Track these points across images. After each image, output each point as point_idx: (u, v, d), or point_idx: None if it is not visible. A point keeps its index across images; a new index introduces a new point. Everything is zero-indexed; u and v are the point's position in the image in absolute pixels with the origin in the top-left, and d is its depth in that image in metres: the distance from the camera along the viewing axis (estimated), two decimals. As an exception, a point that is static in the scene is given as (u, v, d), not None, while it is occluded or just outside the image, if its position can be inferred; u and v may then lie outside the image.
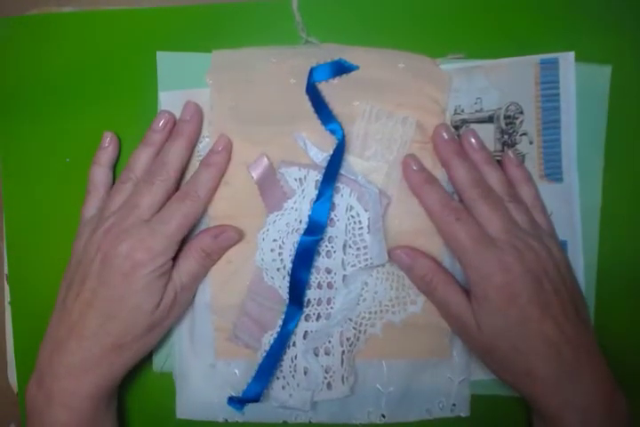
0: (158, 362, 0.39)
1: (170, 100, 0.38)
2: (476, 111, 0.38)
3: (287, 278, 0.36)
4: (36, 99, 0.40)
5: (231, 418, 0.38)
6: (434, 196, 0.35)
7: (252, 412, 0.38)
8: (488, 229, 0.34)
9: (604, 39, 0.38)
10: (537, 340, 0.33)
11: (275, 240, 0.37)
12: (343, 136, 0.36)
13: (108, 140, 0.38)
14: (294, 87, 0.37)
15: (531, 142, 0.38)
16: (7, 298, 0.41)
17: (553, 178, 0.38)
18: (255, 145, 0.37)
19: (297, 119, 0.37)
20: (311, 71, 0.37)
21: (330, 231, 0.36)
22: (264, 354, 0.36)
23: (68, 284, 0.35)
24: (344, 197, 0.36)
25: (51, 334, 0.35)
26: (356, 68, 0.37)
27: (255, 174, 0.37)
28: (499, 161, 0.38)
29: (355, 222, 0.36)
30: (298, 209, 0.36)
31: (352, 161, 0.37)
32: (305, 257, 0.35)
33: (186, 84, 0.38)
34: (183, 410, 0.39)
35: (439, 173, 0.37)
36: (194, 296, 0.37)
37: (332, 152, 0.36)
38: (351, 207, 0.36)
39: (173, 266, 0.35)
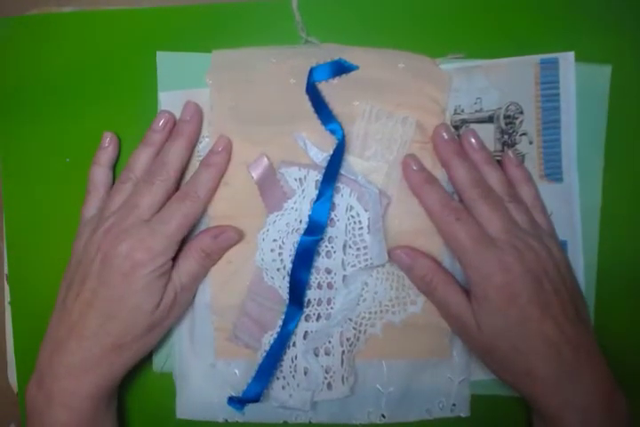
0: (158, 362, 0.39)
1: (170, 100, 0.38)
2: (476, 111, 0.38)
3: (287, 279, 0.36)
4: (36, 99, 0.40)
5: (231, 418, 0.38)
6: (434, 196, 0.35)
7: (252, 412, 0.38)
8: (488, 229, 0.34)
9: (604, 39, 0.38)
10: (537, 340, 0.33)
11: (275, 240, 0.37)
12: (343, 136, 0.36)
13: (108, 141, 0.38)
14: (294, 87, 0.37)
15: (531, 142, 0.38)
16: (7, 298, 0.41)
17: (553, 178, 0.38)
18: (255, 145, 0.37)
19: (297, 119, 0.37)
20: (311, 71, 0.37)
21: (330, 231, 0.36)
22: (264, 354, 0.36)
23: (67, 284, 0.35)
24: (344, 197, 0.36)
25: (51, 334, 0.35)
26: (356, 68, 0.37)
27: (255, 174, 0.37)
28: (499, 161, 0.38)
29: (355, 222, 0.36)
30: (298, 209, 0.36)
31: (352, 161, 0.37)
32: (305, 257, 0.35)
33: (186, 84, 0.38)
34: (183, 410, 0.39)
35: (439, 173, 0.37)
36: (194, 296, 0.37)
37: (331, 152, 0.36)
38: (351, 207, 0.36)
39: (173, 266, 0.35)
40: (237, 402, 0.36)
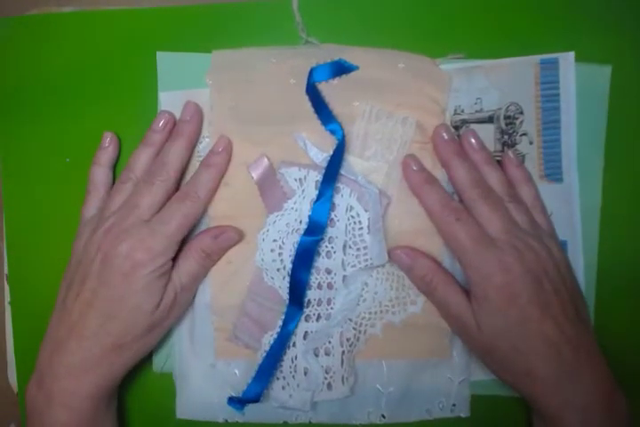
0: (158, 362, 0.39)
1: (170, 101, 0.38)
2: (476, 111, 0.38)
3: (287, 279, 0.36)
4: (36, 99, 0.40)
5: (231, 418, 0.38)
6: (434, 196, 0.35)
7: (252, 412, 0.38)
8: (488, 230, 0.34)
9: (604, 39, 0.38)
10: (537, 340, 0.33)
11: (275, 240, 0.37)
12: (343, 136, 0.36)
13: (108, 141, 0.38)
14: (294, 87, 0.37)
15: (531, 142, 0.38)
16: (7, 298, 0.41)
17: (553, 178, 0.38)
18: (255, 145, 0.37)
19: (297, 119, 0.37)
20: (311, 71, 0.37)
21: (330, 232, 0.36)
22: (264, 354, 0.36)
23: (67, 284, 0.35)
24: (344, 197, 0.36)
25: (51, 334, 0.35)
26: (356, 68, 0.37)
27: (255, 175, 0.37)
28: (499, 161, 0.38)
29: (355, 223, 0.36)
30: (298, 209, 0.36)
31: (352, 161, 0.37)
32: (305, 257, 0.35)
33: (186, 84, 0.38)
34: (183, 410, 0.39)
35: (439, 173, 0.37)
36: (194, 296, 0.37)
37: (331, 152, 0.36)
38: (351, 207, 0.36)
39: (173, 266, 0.35)
40: (237, 402, 0.36)
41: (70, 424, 0.33)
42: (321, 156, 0.36)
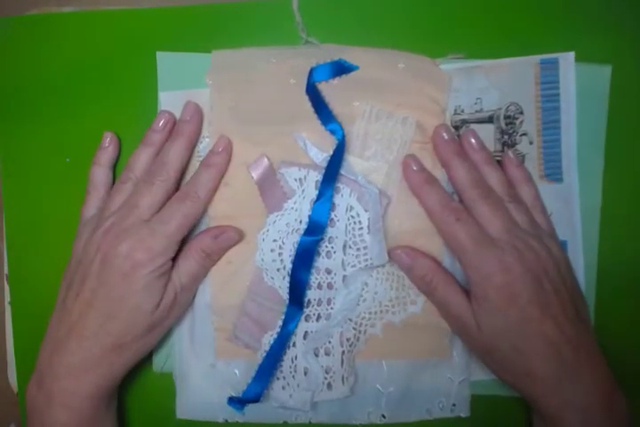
0: (158, 362, 0.39)
1: (170, 101, 0.38)
2: (476, 111, 0.38)
3: (287, 279, 0.36)
4: (36, 99, 0.40)
5: (231, 418, 0.38)
6: (434, 196, 0.35)
7: (252, 412, 0.38)
8: (488, 230, 0.34)
9: (604, 39, 0.38)
10: (537, 340, 0.33)
11: (275, 240, 0.37)
12: (343, 136, 0.36)
13: (108, 141, 0.38)
14: (294, 87, 0.37)
15: (531, 142, 0.38)
16: (7, 298, 0.41)
17: (553, 178, 0.38)
18: (255, 145, 0.37)
19: (297, 119, 0.37)
20: (311, 71, 0.37)
21: (330, 232, 0.36)
22: (264, 354, 0.36)
23: (67, 284, 0.35)
24: (344, 197, 0.36)
25: (51, 334, 0.35)
26: (356, 68, 0.37)
27: (255, 175, 0.37)
28: (499, 161, 0.38)
29: (355, 223, 0.36)
30: (298, 209, 0.36)
31: (352, 161, 0.37)
32: (305, 257, 0.35)
33: (186, 84, 0.38)
34: (183, 410, 0.39)
35: (439, 173, 0.37)
36: (194, 296, 0.37)
37: (332, 152, 0.36)
38: (351, 207, 0.36)
39: (173, 266, 0.35)
40: (237, 402, 0.36)
41: (70, 424, 0.33)
42: (321, 156, 0.36)
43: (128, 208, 0.35)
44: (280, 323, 0.36)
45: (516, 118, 0.38)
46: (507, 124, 0.38)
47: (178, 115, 0.37)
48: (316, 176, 0.36)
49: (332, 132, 0.36)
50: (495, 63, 0.38)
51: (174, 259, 0.35)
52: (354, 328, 0.37)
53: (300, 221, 0.36)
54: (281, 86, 0.37)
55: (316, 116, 0.37)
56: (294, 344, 0.37)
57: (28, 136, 0.40)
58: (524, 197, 0.37)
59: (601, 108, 0.38)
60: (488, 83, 0.38)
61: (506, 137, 0.38)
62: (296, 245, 0.36)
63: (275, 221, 0.37)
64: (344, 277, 0.37)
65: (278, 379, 0.37)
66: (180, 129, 0.37)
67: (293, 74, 0.37)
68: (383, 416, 0.38)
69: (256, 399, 0.36)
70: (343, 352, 0.37)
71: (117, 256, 0.33)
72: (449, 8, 0.38)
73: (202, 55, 0.38)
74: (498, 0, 0.38)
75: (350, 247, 0.37)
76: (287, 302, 0.36)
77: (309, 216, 0.36)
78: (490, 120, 0.38)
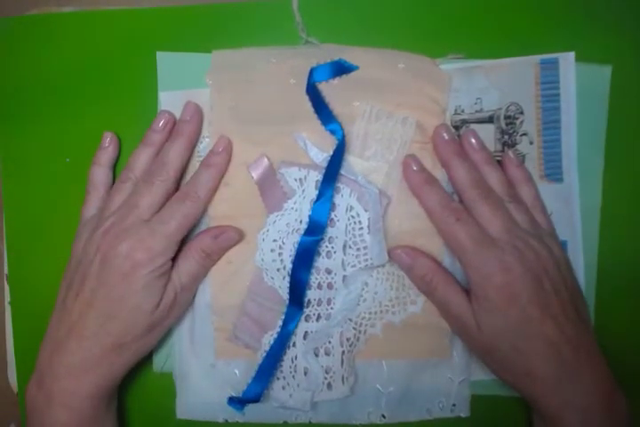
0: (158, 362, 0.39)
1: (170, 100, 0.38)
2: (476, 111, 0.38)
3: (287, 279, 0.36)
4: (36, 99, 0.40)
5: (231, 418, 0.38)
6: (434, 196, 0.35)
7: (252, 412, 0.38)
8: (488, 230, 0.34)
9: (604, 39, 0.38)
10: (537, 340, 0.33)
11: (275, 240, 0.37)
12: (343, 136, 0.36)
13: (108, 141, 0.38)
14: (294, 87, 0.37)
15: (531, 142, 0.38)
16: (7, 298, 0.41)
17: (553, 178, 0.38)
18: (255, 145, 0.37)
19: (297, 119, 0.37)
20: (311, 71, 0.37)
21: (330, 232, 0.36)
22: (264, 354, 0.36)
23: (67, 284, 0.35)
24: (344, 197, 0.36)
25: (51, 334, 0.35)
26: (356, 68, 0.37)
27: (255, 175, 0.37)
28: (499, 161, 0.38)
29: (355, 223, 0.36)
30: (298, 209, 0.36)
31: (352, 161, 0.37)
32: (305, 257, 0.35)
33: (186, 84, 0.38)
34: (183, 410, 0.39)
35: (439, 173, 0.37)
36: (194, 296, 0.37)
37: (332, 152, 0.36)
38: (351, 207, 0.36)
39: (173, 266, 0.35)
40: (237, 402, 0.36)
41: (70, 424, 0.33)
42: (321, 156, 0.36)
43: (128, 208, 0.35)
44: (280, 323, 0.36)
45: (517, 118, 0.38)
46: (507, 124, 0.38)
47: (178, 115, 0.37)
48: (316, 176, 0.36)
49: (332, 132, 0.36)
50: (495, 63, 0.38)
51: (174, 259, 0.35)
52: (354, 328, 0.37)
53: (300, 221, 0.36)
54: (281, 86, 0.37)
55: (315, 116, 0.37)
56: (294, 344, 0.37)
57: (28, 136, 0.40)
58: (525, 197, 0.37)
59: (601, 108, 0.38)
60: (488, 83, 0.38)
61: (506, 137, 0.38)
62: (296, 245, 0.36)
63: (275, 221, 0.37)
64: (344, 277, 0.37)
65: (278, 379, 0.37)
66: (180, 129, 0.37)
67: (293, 74, 0.37)
68: (383, 416, 0.38)
69: (256, 399, 0.36)
70: (343, 352, 0.37)
71: (117, 256, 0.33)
72: (449, 8, 0.38)
73: (202, 55, 0.38)
74: (498, 0, 0.38)
75: (350, 247, 0.37)
76: (287, 302, 0.36)
77: (309, 216, 0.36)
78: (490, 120, 0.38)
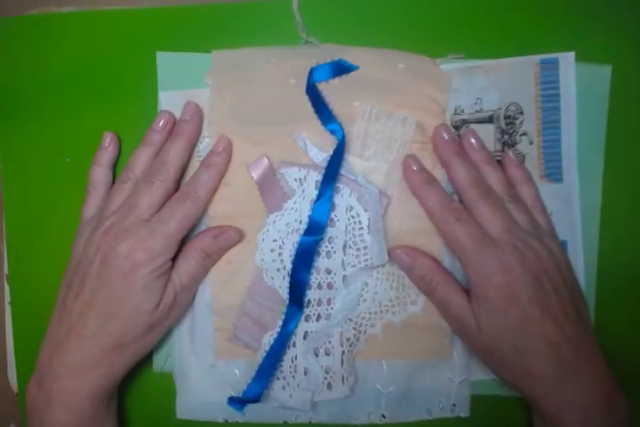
0: (158, 362, 0.39)
1: (170, 100, 0.38)
2: (476, 111, 0.38)
3: (287, 279, 0.36)
4: (36, 99, 0.40)
5: (231, 418, 0.38)
6: (434, 197, 0.35)
7: (252, 412, 0.38)
8: (489, 230, 0.34)
9: (604, 39, 0.38)
10: (537, 340, 0.33)
11: (275, 240, 0.37)
12: (343, 136, 0.36)
13: (108, 141, 0.38)
14: (294, 87, 0.37)
15: (531, 142, 0.38)
16: (7, 298, 0.41)
17: (553, 178, 0.38)
18: (255, 145, 0.37)
19: (297, 119, 0.37)
20: (311, 71, 0.37)
21: (330, 232, 0.36)
22: (264, 354, 0.36)
23: (67, 284, 0.35)
24: (344, 197, 0.36)
25: (51, 334, 0.35)
26: (356, 68, 0.37)
27: (255, 175, 0.37)
28: (499, 161, 0.38)
29: (355, 223, 0.36)
30: (298, 209, 0.36)
31: (352, 161, 0.37)
32: (305, 257, 0.35)
33: (186, 84, 0.38)
34: (183, 410, 0.39)
35: (439, 173, 0.37)
36: (194, 296, 0.37)
37: (332, 152, 0.36)
38: (351, 207, 0.36)
39: (173, 266, 0.35)
40: (237, 402, 0.36)
41: (70, 424, 0.33)
42: (321, 156, 0.36)
43: (128, 208, 0.35)
44: (280, 323, 0.36)
45: (516, 118, 0.38)
46: (507, 124, 0.38)
47: (178, 115, 0.37)
48: (316, 176, 0.36)
49: (332, 132, 0.36)
50: (495, 63, 0.38)
51: (174, 259, 0.35)
52: (354, 328, 0.37)
53: (300, 221, 0.36)
54: (281, 86, 0.37)
55: (315, 116, 0.37)
56: (294, 344, 0.37)
57: (28, 136, 0.40)
58: (525, 197, 0.37)
59: (601, 108, 0.38)
60: (488, 83, 0.38)
61: (506, 137, 0.38)
62: (296, 245, 0.36)
63: (275, 221, 0.37)
64: (344, 277, 0.37)
65: (278, 379, 0.37)
66: (180, 129, 0.37)
67: (293, 74, 0.37)
68: (383, 416, 0.38)
69: (256, 399, 0.36)
70: (343, 352, 0.37)
71: (117, 256, 0.33)
72: (449, 8, 0.38)
73: (202, 55, 0.38)
74: (498, 0, 0.38)
75: (350, 247, 0.37)
76: (287, 302, 0.36)
77: (309, 216, 0.36)
78: (490, 120, 0.38)
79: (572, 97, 0.38)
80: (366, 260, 0.36)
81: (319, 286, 0.37)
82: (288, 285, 0.36)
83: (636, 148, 0.39)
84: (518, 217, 0.35)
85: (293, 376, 0.37)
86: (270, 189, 0.37)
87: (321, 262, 0.37)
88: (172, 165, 0.36)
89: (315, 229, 0.35)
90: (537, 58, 0.38)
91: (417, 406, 0.38)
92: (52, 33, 0.39)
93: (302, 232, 0.36)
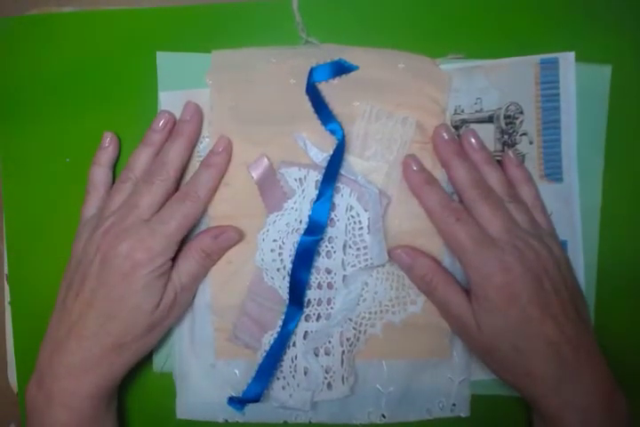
0: (158, 362, 0.39)
1: (170, 100, 0.38)
2: (476, 111, 0.38)
3: (287, 279, 0.36)
4: (36, 99, 0.40)
5: (231, 418, 0.38)
6: (434, 197, 0.35)
7: (252, 412, 0.38)
8: (489, 230, 0.34)
9: (604, 39, 0.38)
10: (537, 340, 0.33)
11: (275, 240, 0.37)
12: (343, 136, 0.36)
13: (108, 141, 0.38)
14: (294, 87, 0.37)
15: (531, 142, 0.38)
16: (7, 298, 0.41)
17: (553, 178, 0.38)
18: (255, 145, 0.37)
19: (297, 119, 0.37)
20: (311, 71, 0.37)
21: (330, 231, 0.36)
22: (264, 354, 0.36)
23: (67, 284, 0.35)
24: (344, 197, 0.36)
25: (51, 334, 0.35)
26: (356, 68, 0.37)
27: (255, 175, 0.37)
28: (499, 161, 0.38)
29: (355, 222, 0.36)
30: (298, 209, 0.36)
31: (352, 161, 0.37)
32: (305, 257, 0.35)
33: (186, 84, 0.38)
34: (183, 410, 0.39)
35: (439, 173, 0.37)
36: (194, 296, 0.37)
37: (331, 152, 0.36)
38: (351, 207, 0.36)
39: (173, 266, 0.35)
40: (237, 402, 0.36)
41: (70, 424, 0.33)
42: (321, 156, 0.36)
43: (128, 208, 0.35)
44: (280, 323, 0.36)
45: (516, 118, 0.38)
46: (507, 124, 0.38)
47: (178, 115, 0.38)
48: (316, 176, 0.36)
49: (332, 132, 0.36)
50: (495, 63, 0.38)
51: (174, 259, 0.35)
52: (354, 328, 0.37)
53: (300, 221, 0.36)
54: (281, 86, 0.37)
55: (316, 116, 0.37)
56: (294, 344, 0.37)
57: (28, 136, 0.40)
58: (525, 197, 0.37)
59: (601, 108, 0.38)
60: (488, 83, 0.38)
61: (506, 137, 0.38)
62: (296, 245, 0.36)
63: (275, 221, 0.37)
64: (344, 276, 0.37)
65: (278, 379, 0.37)
66: (180, 129, 0.37)
67: (293, 74, 0.37)
68: (383, 416, 0.38)
69: (256, 399, 0.36)
70: (343, 352, 0.37)
71: (117, 256, 0.33)
72: (449, 8, 0.38)
73: (202, 55, 0.38)
74: (498, 0, 0.38)
75: (350, 247, 0.37)
76: (287, 301, 0.36)
77: (309, 216, 0.36)
78: (490, 120, 0.38)
79: (571, 97, 0.38)
80: (366, 260, 0.36)
81: (319, 286, 0.37)
82: (288, 284, 0.36)
83: (636, 148, 0.39)
84: (518, 217, 0.35)
85: (293, 376, 0.37)
86: (270, 189, 0.37)
87: (321, 262, 0.37)
88: (171, 165, 0.36)
89: (315, 229, 0.35)
90: (537, 58, 0.38)
91: (417, 406, 0.38)
92: (52, 33, 0.39)
93: (302, 232, 0.36)
